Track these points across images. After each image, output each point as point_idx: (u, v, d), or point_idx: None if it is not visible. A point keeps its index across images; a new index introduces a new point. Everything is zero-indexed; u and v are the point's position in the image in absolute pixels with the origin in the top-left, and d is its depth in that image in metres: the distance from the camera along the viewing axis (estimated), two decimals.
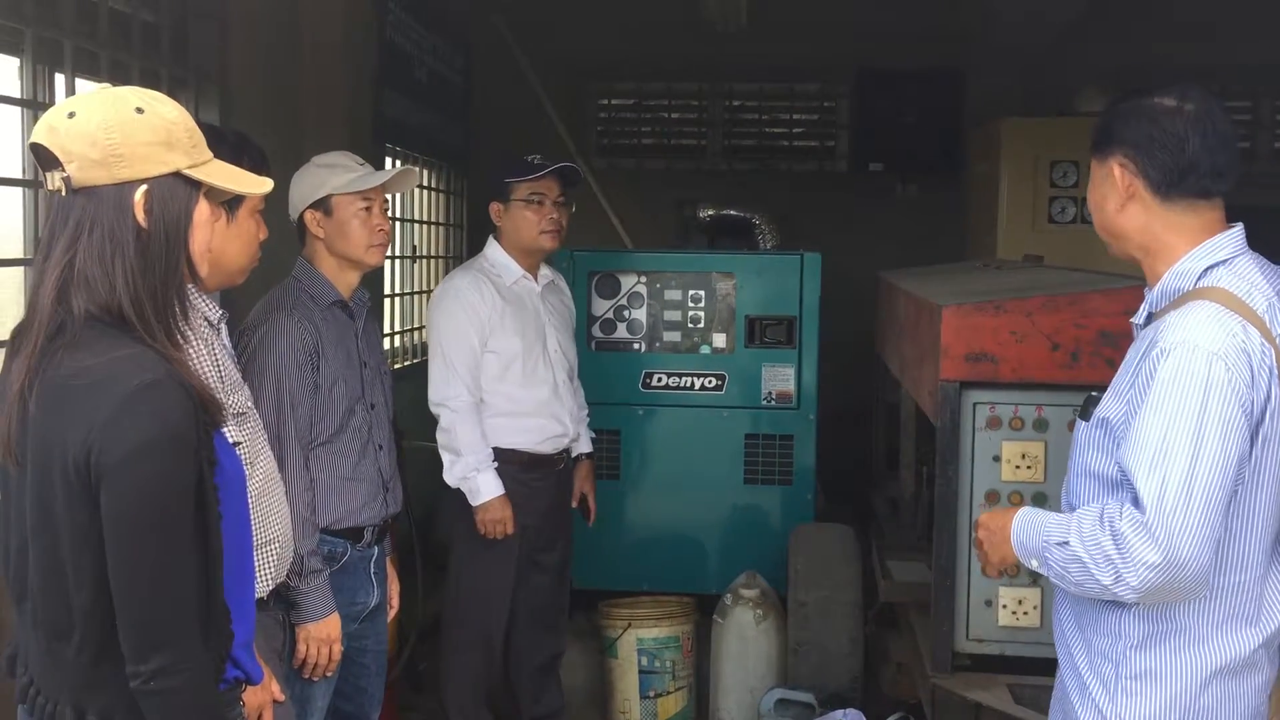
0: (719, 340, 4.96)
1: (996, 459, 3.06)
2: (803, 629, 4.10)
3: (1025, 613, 3.08)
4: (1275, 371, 1.96)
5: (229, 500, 1.87)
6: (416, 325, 6.61)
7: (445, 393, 3.63)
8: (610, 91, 8.42)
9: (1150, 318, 2.11)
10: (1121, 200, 2.09)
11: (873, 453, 5.49)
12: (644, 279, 4.98)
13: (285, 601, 2.74)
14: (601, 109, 8.45)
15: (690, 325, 4.97)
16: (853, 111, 8.14)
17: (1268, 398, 1.96)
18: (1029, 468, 3.05)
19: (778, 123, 8.39)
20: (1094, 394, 2.17)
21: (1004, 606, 3.09)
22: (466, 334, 3.64)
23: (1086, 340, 2.96)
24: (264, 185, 1.98)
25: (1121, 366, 2.13)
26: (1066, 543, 2.02)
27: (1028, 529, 2.12)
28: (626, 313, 4.98)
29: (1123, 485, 2.01)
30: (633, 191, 7.86)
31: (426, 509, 4.77)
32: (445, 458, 3.65)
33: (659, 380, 4.95)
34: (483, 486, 3.60)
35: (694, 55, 7.86)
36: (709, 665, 4.38)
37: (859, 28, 7.54)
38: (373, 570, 3.09)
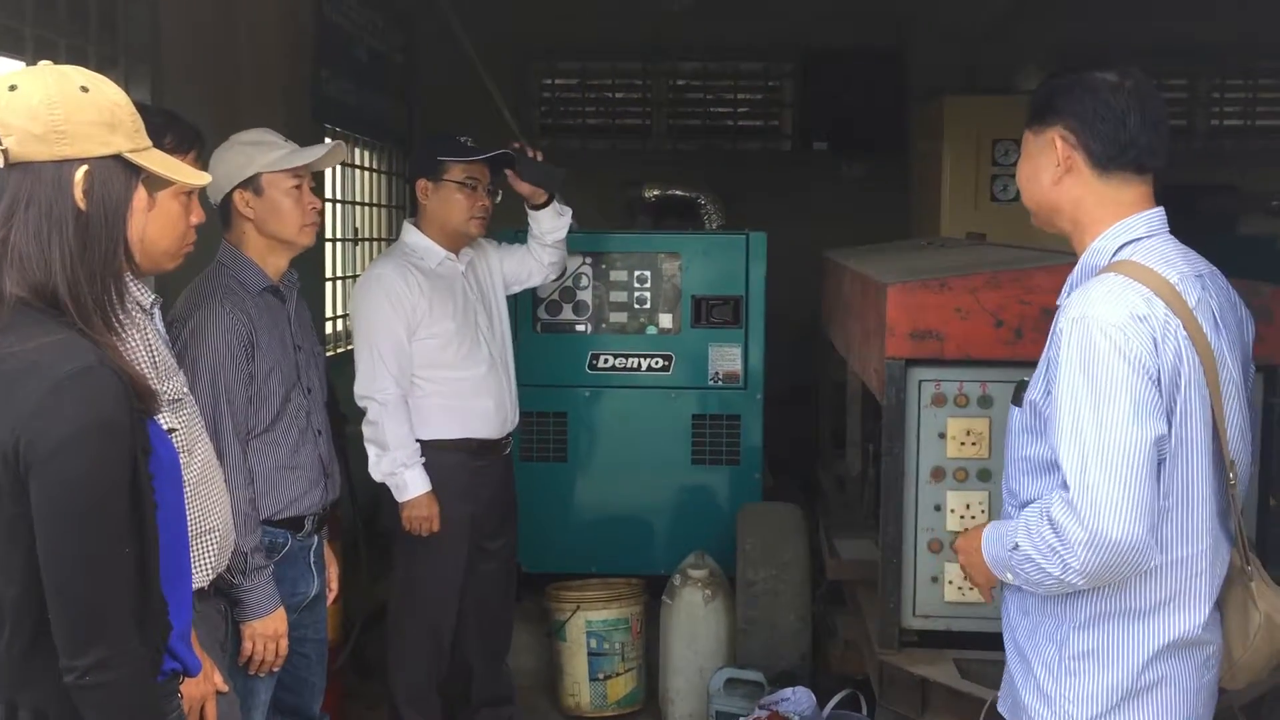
0: (665, 321, 4.95)
1: (942, 436, 3.07)
2: (751, 608, 4.11)
3: (971, 588, 3.09)
4: (1186, 341, 1.96)
5: (164, 489, 1.82)
6: None
7: (372, 385, 3.55)
8: (553, 71, 8.35)
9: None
10: (1059, 173, 2.10)
11: (819, 431, 5.50)
12: (589, 260, 4.95)
13: (227, 595, 2.69)
14: (545, 88, 8.38)
15: (636, 306, 4.94)
16: (797, 91, 8.15)
17: (1177, 366, 1.95)
18: (974, 444, 3.07)
19: (722, 102, 8.38)
20: (1024, 379, 2.18)
21: (950, 582, 3.11)
22: (392, 325, 3.55)
23: (1030, 317, 2.98)
24: (201, 178, 1.94)
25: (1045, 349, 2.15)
26: (1018, 545, 2.04)
27: (993, 543, 2.14)
28: (572, 294, 4.94)
29: (1055, 468, 2.02)
30: (576, 172, 7.78)
31: (371, 493, 4.73)
32: (371, 452, 3.58)
33: (605, 362, 4.93)
34: (410, 482, 3.54)
35: (638, 35, 7.82)
36: (658, 646, 4.37)
37: (803, 6, 7.54)
38: (312, 559, 3.05)
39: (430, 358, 3.60)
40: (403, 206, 7.51)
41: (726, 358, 4.89)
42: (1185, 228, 5.88)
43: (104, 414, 1.65)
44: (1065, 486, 1.96)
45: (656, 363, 4.92)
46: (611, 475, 4.95)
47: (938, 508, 3.10)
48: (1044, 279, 2.97)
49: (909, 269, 3.38)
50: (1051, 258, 3.14)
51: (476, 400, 3.69)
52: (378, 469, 3.57)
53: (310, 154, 2.88)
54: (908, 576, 3.13)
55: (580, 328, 4.96)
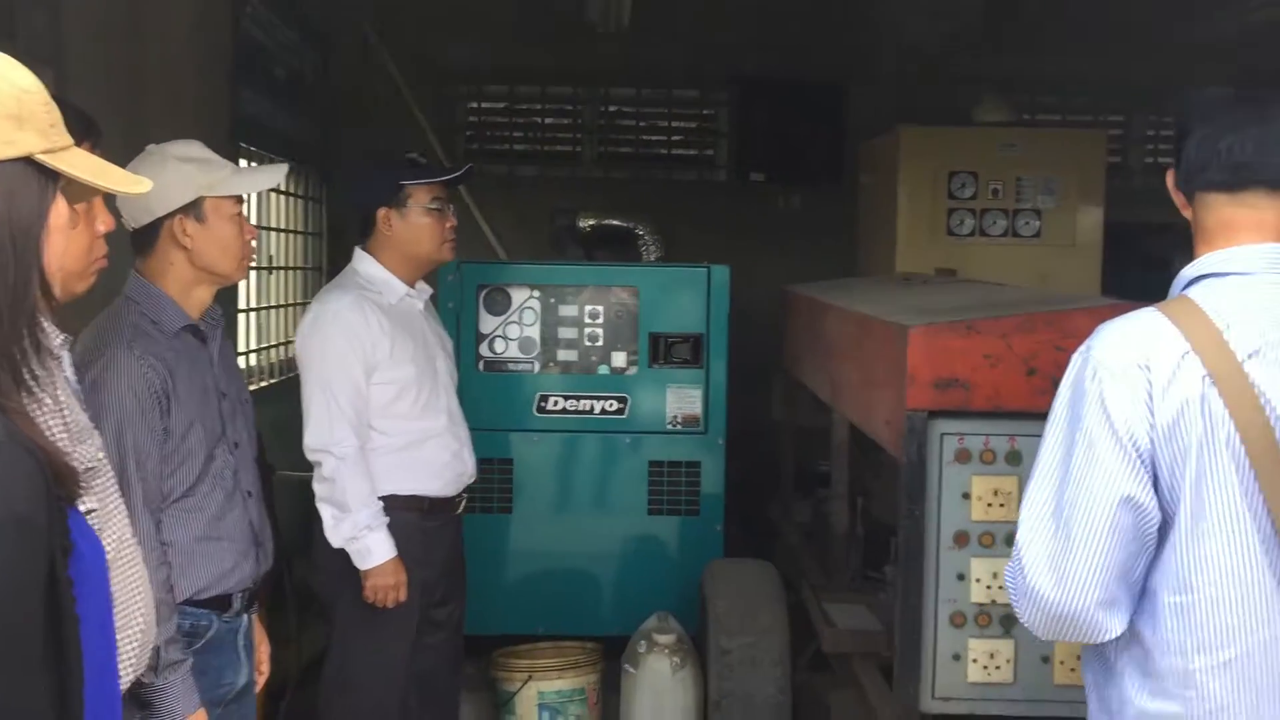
0: (619, 360, 4.58)
1: (966, 496, 2.75)
2: (726, 679, 3.73)
3: (998, 667, 2.78)
4: (1207, 398, 1.68)
5: (89, 598, 1.39)
6: (274, 343, 6.03)
7: (328, 437, 3.11)
8: (480, 94, 7.97)
9: None
10: (1180, 205, 1.91)
11: (781, 477, 5.17)
12: (537, 293, 4.57)
13: (135, 696, 2.23)
14: (471, 112, 7.98)
15: (588, 343, 4.57)
16: (733, 120, 7.89)
17: (1180, 423, 1.68)
18: (1001, 505, 2.75)
19: (655, 130, 8.07)
20: None
21: (974, 661, 2.78)
22: (350, 366, 3.13)
23: (1066, 365, 2.67)
24: (140, 185, 1.52)
25: None
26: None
27: None
28: (518, 330, 4.55)
29: None
30: (505, 199, 7.42)
31: (294, 542, 4.27)
32: (327, 513, 3.13)
33: (554, 404, 4.54)
34: (374, 547, 3.10)
35: (568, 58, 7.48)
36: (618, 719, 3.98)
37: (739, 34, 7.29)
38: (241, 643, 2.61)
39: (384, 406, 3.18)
40: (320, 234, 7.04)
41: (686, 400, 4.54)
42: (1125, 267, 5.72)
43: (13, 506, 1.22)
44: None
45: (610, 405, 4.55)
46: (561, 527, 4.56)
47: (961, 576, 2.76)
48: (1083, 321, 2.66)
49: (919, 309, 3.07)
50: (1087, 298, 2.85)
51: (432, 454, 3.27)
52: (337, 533, 3.12)
53: (264, 177, 2.47)
54: (927, 654, 2.79)
55: (527, 367, 4.56)
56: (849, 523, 3.81)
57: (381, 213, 3.24)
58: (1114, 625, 1.73)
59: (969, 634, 2.77)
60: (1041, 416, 2.71)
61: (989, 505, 2.75)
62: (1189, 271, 1.84)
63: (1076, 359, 1.81)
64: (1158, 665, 1.74)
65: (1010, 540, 2.73)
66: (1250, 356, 1.70)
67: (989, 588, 2.76)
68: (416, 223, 3.25)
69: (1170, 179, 1.91)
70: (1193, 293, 1.79)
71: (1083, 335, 2.66)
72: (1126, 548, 1.71)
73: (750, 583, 3.91)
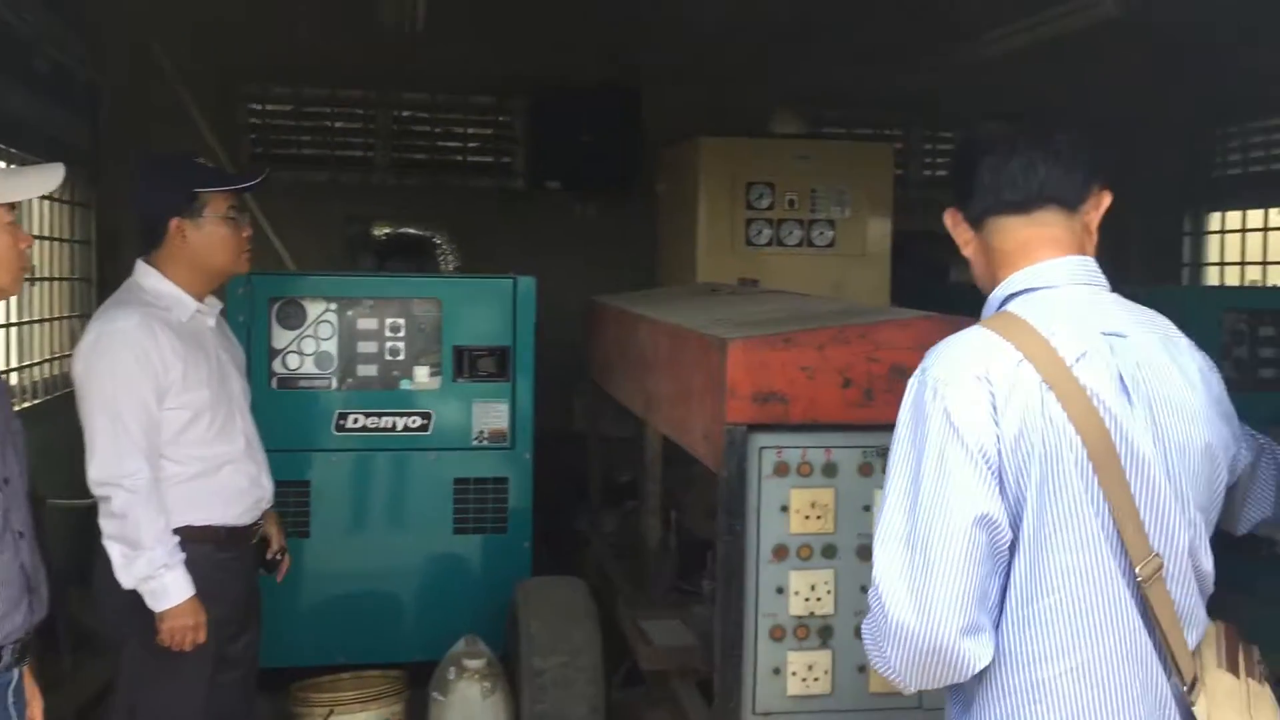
0: (422, 375, 4.42)
1: (785, 509, 2.74)
2: (539, 701, 3.64)
3: (816, 679, 2.78)
4: (1047, 407, 1.70)
5: None
6: (38, 360, 5.57)
7: (118, 468, 2.84)
8: (265, 95, 7.60)
9: None
10: (964, 247, 1.96)
11: (590, 490, 5.10)
12: (334, 306, 4.35)
13: None
14: (254, 114, 7.60)
15: (389, 358, 4.39)
16: (529, 127, 7.79)
17: (1024, 434, 1.69)
18: (819, 517, 2.76)
19: (451, 136, 7.89)
20: None
21: (794, 674, 2.77)
22: (140, 390, 2.87)
23: (880, 376, 2.71)
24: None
25: None
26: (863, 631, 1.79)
27: None
28: (314, 345, 4.33)
29: None
30: (293, 206, 7.10)
31: (64, 573, 3.93)
32: (117, 551, 2.86)
33: (354, 421, 4.34)
34: (171, 587, 2.85)
35: (359, 60, 7.23)
36: None
37: (537, 41, 7.21)
38: (11, 699, 2.36)
39: (177, 433, 2.93)
40: (89, 242, 6.55)
41: (492, 414, 4.42)
42: (907, 274, 5.92)
43: None
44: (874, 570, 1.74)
45: (413, 421, 4.38)
46: (361, 551, 4.36)
47: (780, 590, 2.76)
48: (894, 334, 2.71)
49: (733, 321, 3.05)
50: (897, 311, 2.90)
51: (229, 480, 3.04)
52: (129, 573, 2.85)
53: (37, 181, 2.23)
54: (747, 669, 2.77)
55: (324, 383, 4.35)
56: (662, 536, 3.77)
57: (174, 223, 2.99)
58: (981, 654, 1.68)
59: (788, 647, 2.77)
60: (856, 428, 2.76)
61: (807, 518, 2.75)
62: (1000, 292, 1.87)
63: (913, 383, 1.78)
64: (1007, 681, 1.72)
65: (828, 552, 2.77)
66: (1078, 360, 1.73)
67: (807, 600, 2.77)
68: (212, 233, 3.01)
69: (951, 218, 1.95)
70: (1010, 309, 1.82)
71: (894, 346, 2.73)
72: (983, 567, 1.68)
73: (563, 602, 3.83)
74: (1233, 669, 1.76)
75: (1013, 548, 1.72)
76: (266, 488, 3.20)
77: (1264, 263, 7.81)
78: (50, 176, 2.33)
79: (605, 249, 7.50)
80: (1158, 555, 1.71)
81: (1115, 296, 1.87)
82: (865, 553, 2.77)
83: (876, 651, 1.72)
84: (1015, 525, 1.71)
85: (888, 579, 1.68)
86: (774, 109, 6.23)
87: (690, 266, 5.97)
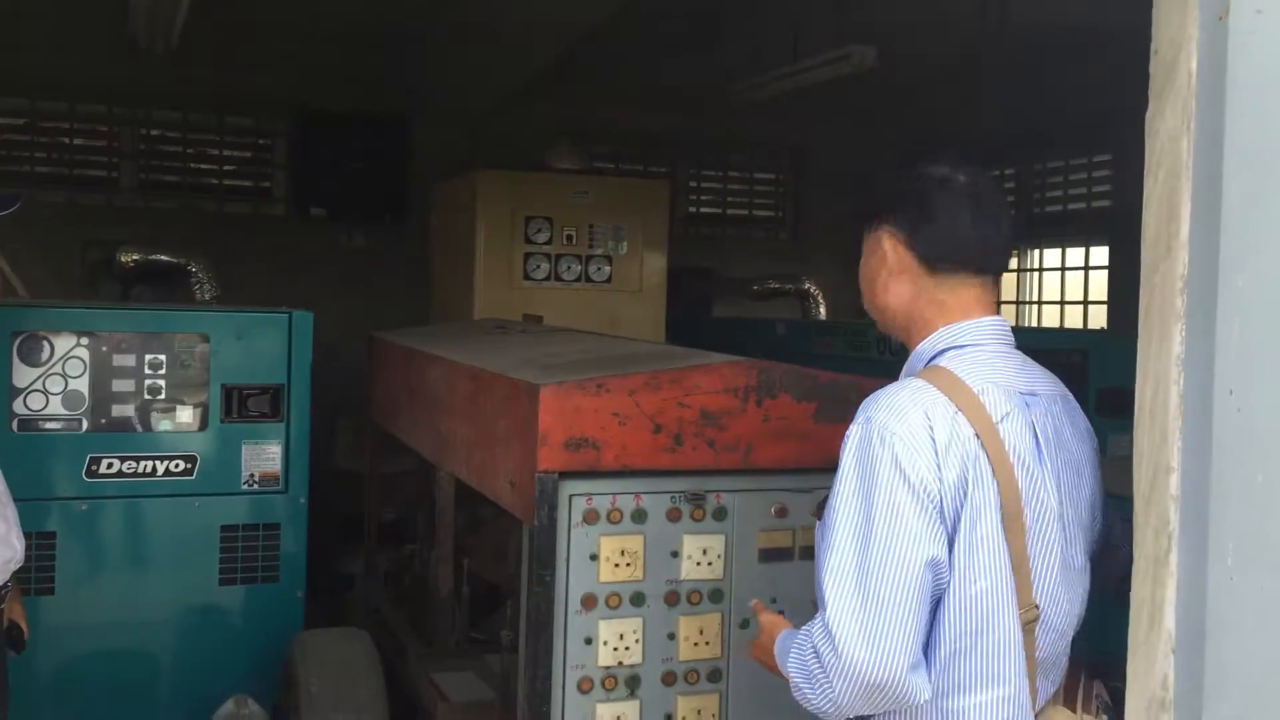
0: (185, 415, 4.10)
1: (594, 557, 2.68)
2: None
3: None
4: (979, 460, 1.79)
5: None
6: None
7: None
8: None
9: None
10: (890, 273, 1.95)
11: (365, 531, 4.88)
12: (86, 340, 3.99)
13: None
14: None
15: (149, 397, 4.06)
16: (291, 151, 7.47)
17: (962, 486, 1.78)
18: (629, 565, 2.70)
19: (205, 158, 7.46)
20: (828, 491, 1.89)
21: None
22: None
23: (689, 421, 2.69)
24: None
25: None
26: (789, 668, 1.85)
27: (782, 655, 1.92)
28: (62, 383, 3.96)
29: None
30: (24, 229, 6.52)
31: None
32: None
33: (109, 466, 3.98)
34: None
35: (104, 74, 6.76)
36: None
37: (298, 62, 6.93)
38: None
39: None
40: None
41: (264, 457, 4.15)
42: (674, 307, 5.99)
43: None
44: (823, 604, 1.78)
45: (175, 465, 4.06)
46: (116, 607, 3.98)
47: (589, 640, 2.68)
48: (703, 379, 2.70)
49: (537, 364, 2.97)
50: (703, 355, 2.89)
51: None
52: None
53: None
54: None
55: (74, 425, 3.97)
56: (454, 585, 3.63)
57: None
58: (924, 687, 1.75)
59: (596, 699, 2.70)
60: (665, 473, 2.74)
61: (616, 565, 2.69)
62: (930, 346, 1.94)
63: (855, 430, 1.82)
64: (932, 709, 1.80)
65: (636, 600, 2.72)
66: (1002, 419, 1.82)
67: (615, 649, 2.70)
68: None
69: (890, 243, 1.95)
70: (943, 363, 1.89)
71: (703, 391, 2.72)
72: (924, 606, 1.75)
73: (345, 656, 3.61)
74: (1070, 704, 1.86)
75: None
76: (17, 547, 2.88)
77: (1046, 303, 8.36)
78: None
79: (372, 280, 7.28)
80: (1036, 606, 1.81)
81: (1023, 355, 1.97)
82: (673, 599, 2.74)
83: (812, 686, 1.78)
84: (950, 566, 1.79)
85: (840, 618, 1.73)
86: (554, 143, 6.21)
87: (468, 300, 5.85)
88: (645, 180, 7.81)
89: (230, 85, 7.06)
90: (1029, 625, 1.82)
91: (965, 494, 1.78)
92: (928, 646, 1.80)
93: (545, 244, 5.96)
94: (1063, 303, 8.39)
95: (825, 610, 1.76)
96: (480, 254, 5.79)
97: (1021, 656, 1.83)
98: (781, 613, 2.77)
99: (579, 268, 6.04)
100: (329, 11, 6.06)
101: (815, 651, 1.77)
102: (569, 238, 6.00)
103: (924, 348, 1.94)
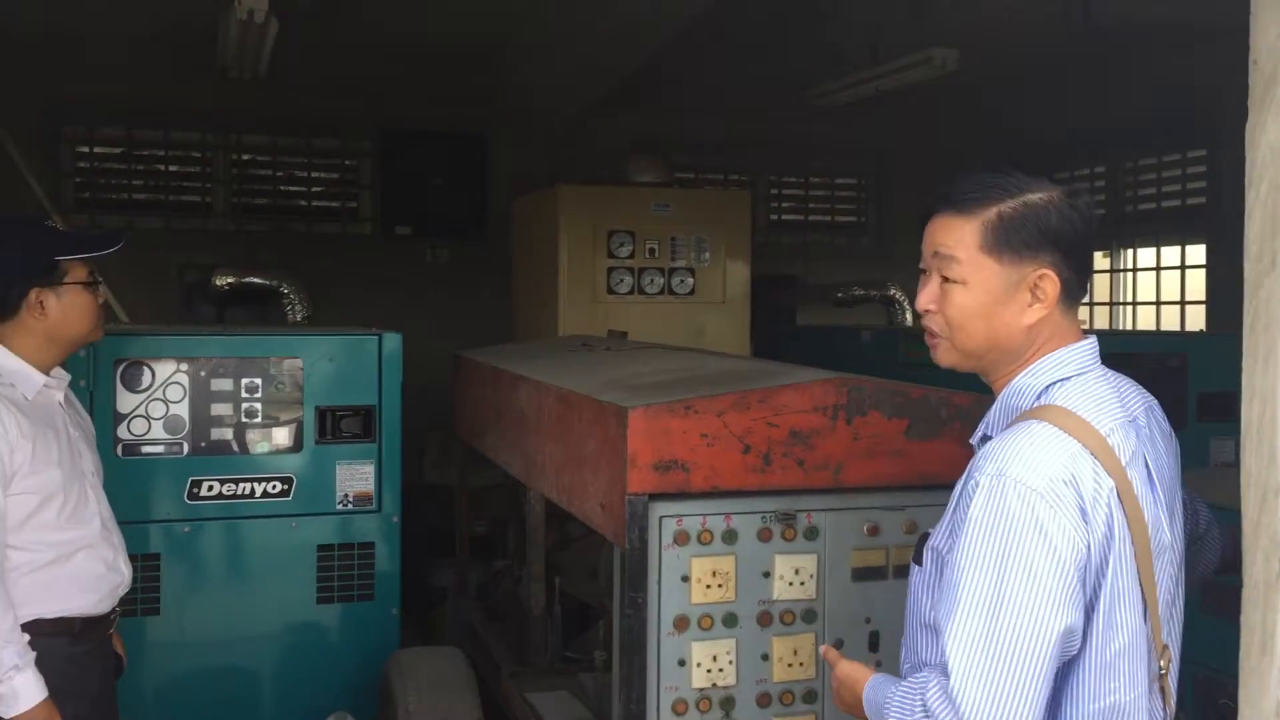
0: (281, 437, 4.19)
1: (685, 579, 2.68)
2: None
3: None
4: (1119, 508, 1.69)
5: None
6: None
7: None
8: (91, 138, 7.20)
9: (985, 439, 1.83)
10: (1036, 311, 1.79)
11: (457, 547, 4.94)
12: (185, 366, 4.10)
13: None
14: (81, 157, 7.20)
15: (246, 420, 4.15)
16: (376, 171, 7.61)
17: (1108, 541, 1.68)
18: (720, 586, 2.70)
19: (294, 180, 7.63)
20: (927, 531, 1.84)
21: None
22: None
23: (778, 441, 2.68)
24: None
25: (951, 498, 1.83)
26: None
27: (874, 698, 1.82)
28: (163, 408, 4.06)
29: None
30: (124, 255, 6.73)
31: None
32: None
33: (209, 489, 4.08)
34: (22, 691, 2.58)
35: (195, 101, 6.94)
36: None
37: (383, 85, 7.05)
38: None
39: (25, 519, 2.67)
40: None
41: (357, 477, 4.22)
42: (758, 317, 5.97)
43: None
44: (946, 672, 1.66)
45: (273, 487, 4.14)
46: (219, 627, 4.07)
47: (682, 662, 2.69)
48: (792, 398, 2.69)
49: (625, 385, 2.98)
50: (790, 371, 2.87)
51: (83, 567, 2.79)
52: None
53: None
54: None
55: (175, 449, 4.08)
56: (546, 603, 3.66)
57: (34, 293, 2.76)
58: None
59: None
60: (755, 494, 2.73)
61: (708, 587, 2.69)
62: (1033, 381, 1.80)
63: (991, 483, 1.68)
64: None
65: (729, 621, 2.72)
66: (1128, 464, 1.72)
67: (709, 671, 2.70)
68: (73, 302, 2.80)
69: (1050, 281, 1.79)
70: (1058, 400, 1.76)
71: (792, 410, 2.70)
72: (1052, 675, 1.66)
73: (441, 674, 3.65)
74: None
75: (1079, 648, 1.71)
76: (124, 572, 2.96)
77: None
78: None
79: (457, 296, 7.37)
80: (1168, 647, 1.74)
81: (1115, 372, 1.87)
82: (765, 620, 2.73)
83: None
84: (1085, 631, 1.70)
85: (966, 687, 1.63)
86: (632, 157, 6.23)
87: (551, 315, 5.89)
88: (726, 190, 7.80)
89: (316, 108, 7.21)
90: (1164, 674, 1.75)
91: (1108, 551, 1.69)
92: (1056, 710, 1.72)
93: (628, 257, 5.99)
94: (1159, 303, 8.18)
95: (948, 674, 1.66)
96: (563, 268, 5.83)
97: (1157, 706, 1.76)
98: (875, 634, 2.76)
99: (662, 280, 6.05)
100: (409, 33, 6.16)
101: (927, 711, 1.68)
102: (651, 251, 6.01)
103: (1025, 382, 1.81)
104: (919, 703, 1.70)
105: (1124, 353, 5.20)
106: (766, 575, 2.73)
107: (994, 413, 1.85)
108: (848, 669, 1.92)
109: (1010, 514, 1.64)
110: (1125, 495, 1.69)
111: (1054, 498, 1.65)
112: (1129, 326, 8.32)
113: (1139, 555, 1.70)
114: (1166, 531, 1.77)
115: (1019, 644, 1.62)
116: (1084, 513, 1.66)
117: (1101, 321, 8.43)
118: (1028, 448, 1.69)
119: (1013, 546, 1.64)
